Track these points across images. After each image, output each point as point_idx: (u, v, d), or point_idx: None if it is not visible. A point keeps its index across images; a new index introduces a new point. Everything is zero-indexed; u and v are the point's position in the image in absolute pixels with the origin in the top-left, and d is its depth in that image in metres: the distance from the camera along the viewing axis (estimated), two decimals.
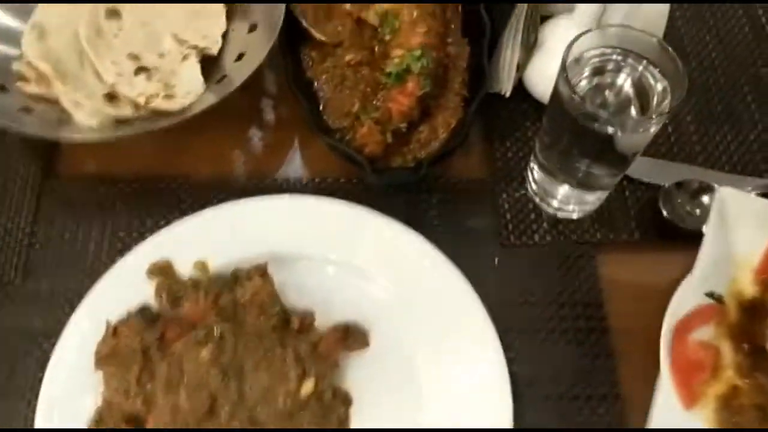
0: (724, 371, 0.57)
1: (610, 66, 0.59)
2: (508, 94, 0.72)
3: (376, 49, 0.71)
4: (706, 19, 0.81)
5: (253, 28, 0.72)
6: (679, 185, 0.68)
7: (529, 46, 0.71)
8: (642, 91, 0.58)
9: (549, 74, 0.61)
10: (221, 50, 0.71)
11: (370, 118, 0.66)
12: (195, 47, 0.70)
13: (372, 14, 0.71)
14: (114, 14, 0.71)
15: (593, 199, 0.67)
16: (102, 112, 0.65)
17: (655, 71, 0.58)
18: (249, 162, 0.72)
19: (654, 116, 0.56)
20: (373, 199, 0.66)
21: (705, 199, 0.67)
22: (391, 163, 0.68)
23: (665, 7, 0.71)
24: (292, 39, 0.71)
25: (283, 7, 0.69)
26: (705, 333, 0.58)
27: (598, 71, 0.60)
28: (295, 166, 0.71)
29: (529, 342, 0.62)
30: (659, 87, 0.57)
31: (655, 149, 0.71)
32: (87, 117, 0.65)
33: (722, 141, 0.73)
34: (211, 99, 0.65)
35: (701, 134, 0.73)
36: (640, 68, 0.58)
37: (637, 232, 0.68)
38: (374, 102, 0.68)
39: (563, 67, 0.56)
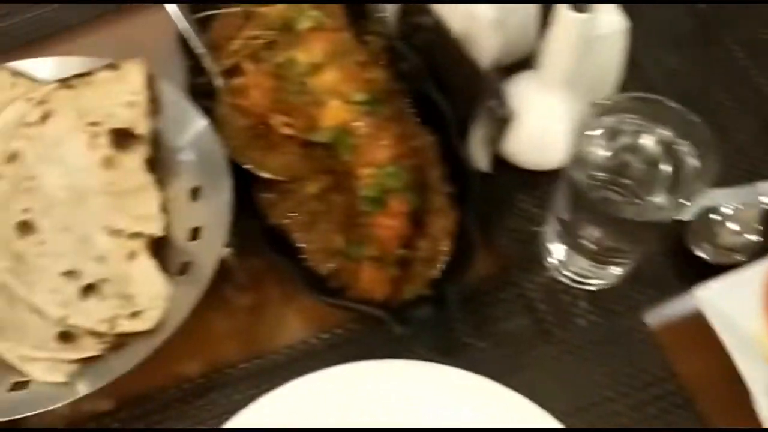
0: None
1: (627, 128, 0.53)
2: (489, 170, 0.65)
3: (339, 169, 0.62)
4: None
5: (196, 193, 0.62)
6: (704, 216, 0.62)
7: (498, 116, 0.64)
8: (670, 153, 0.52)
9: (527, 140, 0.64)
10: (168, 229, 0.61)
11: (366, 259, 0.58)
12: (137, 235, 0.59)
13: (320, 135, 0.62)
14: (26, 228, 0.59)
15: (627, 263, 0.61)
16: (62, 361, 0.54)
17: (680, 139, 0.52)
18: (239, 344, 0.62)
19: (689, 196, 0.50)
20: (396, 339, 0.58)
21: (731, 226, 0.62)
22: (401, 295, 0.59)
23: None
24: (238, 186, 0.61)
25: (222, 153, 0.60)
26: None
27: (614, 134, 0.54)
28: (291, 329, 0.62)
29: None
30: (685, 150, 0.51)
31: None
32: (47, 373, 0.54)
33: None
34: (186, 299, 0.55)
35: None
36: (664, 132, 0.52)
37: (676, 279, 0.62)
38: (358, 231, 0.60)
39: (576, 157, 0.49)
